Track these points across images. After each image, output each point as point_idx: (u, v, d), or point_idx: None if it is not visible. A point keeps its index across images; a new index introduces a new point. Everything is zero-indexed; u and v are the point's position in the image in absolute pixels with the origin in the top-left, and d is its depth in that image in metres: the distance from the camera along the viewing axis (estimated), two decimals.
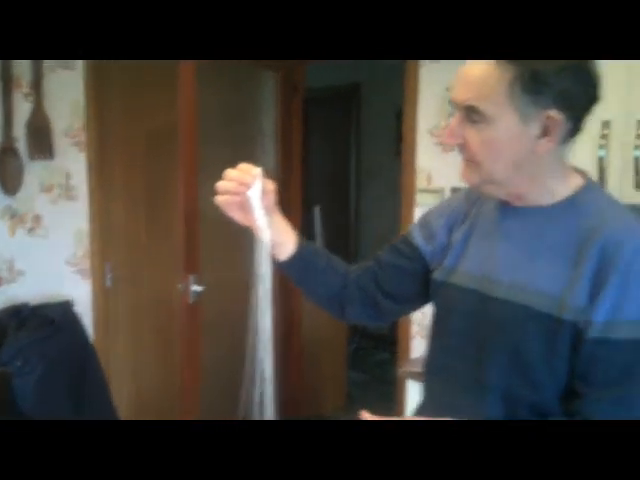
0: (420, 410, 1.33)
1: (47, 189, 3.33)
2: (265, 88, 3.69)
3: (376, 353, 5.71)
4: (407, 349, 3.15)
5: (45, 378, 2.81)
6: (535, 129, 1.15)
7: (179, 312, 2.99)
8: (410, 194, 3.06)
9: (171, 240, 3.12)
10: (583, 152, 2.22)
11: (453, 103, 1.21)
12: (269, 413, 1.25)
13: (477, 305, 1.26)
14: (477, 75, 1.15)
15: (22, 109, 3.17)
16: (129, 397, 3.61)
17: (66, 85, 3.33)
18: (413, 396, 2.51)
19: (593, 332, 1.11)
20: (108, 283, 3.52)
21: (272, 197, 1.30)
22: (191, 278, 2.87)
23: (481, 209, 1.34)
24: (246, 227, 1.32)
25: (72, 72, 3.34)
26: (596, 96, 1.18)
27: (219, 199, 1.28)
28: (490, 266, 1.26)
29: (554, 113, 1.14)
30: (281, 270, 1.34)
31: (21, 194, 3.22)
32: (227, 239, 2.67)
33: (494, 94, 1.14)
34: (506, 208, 1.28)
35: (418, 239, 1.42)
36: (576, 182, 1.24)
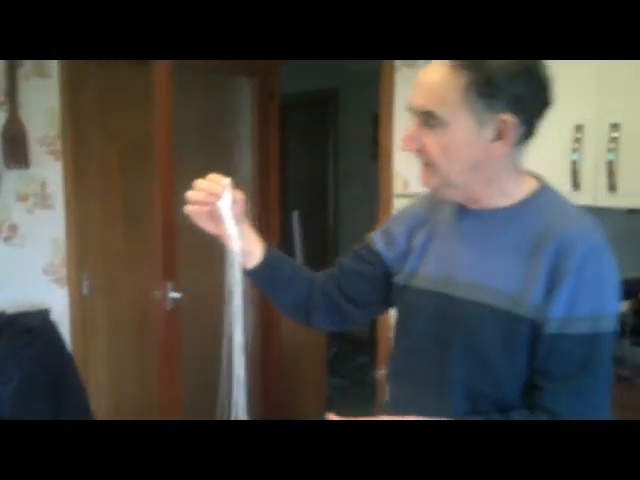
0: (386, 411, 1.35)
1: (23, 198, 3.31)
2: (241, 95, 3.69)
3: (356, 357, 5.72)
4: (386, 352, 3.16)
5: (22, 387, 2.78)
6: (490, 133, 1.19)
7: (157, 319, 2.98)
8: (387, 199, 3.08)
9: (148, 247, 3.11)
10: (557, 156, 2.26)
11: (411, 109, 1.24)
12: (243, 417, 1.28)
13: (438, 306, 1.30)
14: (433, 81, 1.20)
15: None
16: (108, 405, 3.59)
17: (41, 93, 3.31)
18: None
19: (550, 328, 1.16)
20: (85, 291, 3.50)
21: (241, 207, 1.32)
22: (169, 285, 2.86)
23: (440, 214, 1.38)
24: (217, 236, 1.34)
25: (47, 80, 3.32)
26: (548, 100, 1.23)
27: (189, 209, 1.29)
28: (450, 268, 1.30)
29: (507, 117, 1.18)
30: (249, 278, 1.35)
31: None
32: (204, 246, 2.65)
33: (450, 99, 1.18)
34: (464, 211, 1.32)
35: (379, 245, 1.44)
36: (530, 185, 1.29)
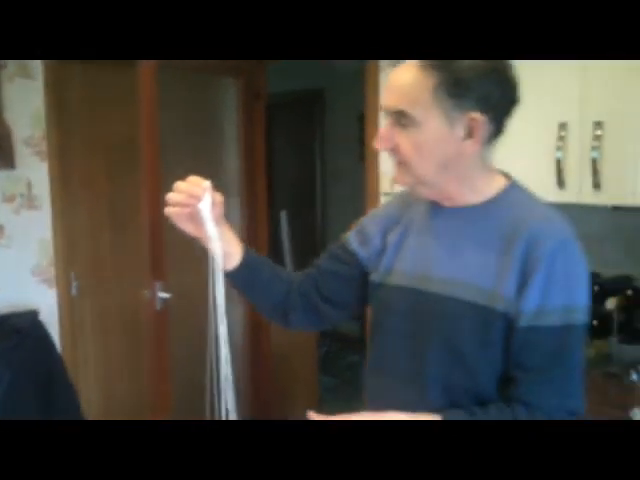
0: (365, 407, 1.36)
1: (9, 199, 3.30)
2: (227, 95, 3.70)
3: (346, 355, 5.73)
4: None
5: (12, 388, 2.78)
6: (460, 131, 1.23)
7: (146, 319, 2.98)
8: (374, 198, 3.10)
9: (136, 247, 3.11)
10: (541, 154, 2.28)
11: (383, 109, 1.27)
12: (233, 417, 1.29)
13: (414, 302, 1.32)
14: (404, 82, 1.23)
15: None
16: (98, 405, 3.59)
17: (26, 95, 3.30)
18: None
19: (523, 321, 1.19)
20: (73, 292, 3.50)
21: (221, 209, 1.32)
22: (157, 285, 2.86)
23: (413, 212, 1.40)
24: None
25: (32, 81, 3.31)
26: (515, 99, 1.27)
27: (169, 210, 1.30)
28: (424, 264, 1.32)
29: (477, 115, 1.21)
30: (228, 280, 1.36)
31: None
32: (193, 245, 2.67)
33: (421, 99, 1.21)
34: (437, 209, 1.35)
35: (354, 245, 1.46)
36: (500, 182, 1.33)
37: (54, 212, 3.42)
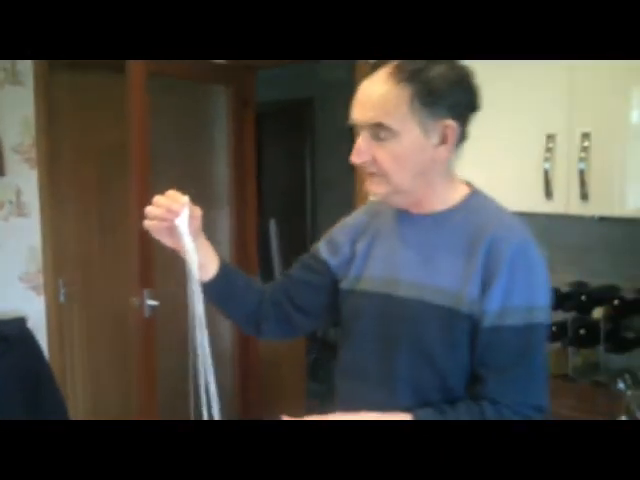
0: (336, 409, 1.38)
1: None
2: (216, 102, 3.70)
3: (335, 362, 5.72)
4: None
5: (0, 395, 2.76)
6: (435, 138, 1.29)
7: (135, 327, 2.98)
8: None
9: (125, 254, 3.10)
10: (529, 165, 2.29)
11: (357, 124, 1.32)
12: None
13: (383, 305, 1.37)
14: (379, 95, 1.27)
15: None
16: (85, 412, 3.58)
17: (15, 101, 3.30)
18: None
19: (487, 321, 1.25)
20: (62, 299, 3.49)
21: (199, 223, 1.36)
22: (145, 292, 2.86)
23: (380, 220, 1.46)
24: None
25: (21, 88, 3.31)
26: (478, 105, 1.34)
27: (148, 224, 1.33)
28: (392, 269, 1.38)
29: (450, 122, 1.29)
30: (203, 291, 1.38)
31: None
32: (181, 254, 2.66)
33: (398, 110, 1.26)
34: (404, 216, 1.41)
35: (325, 254, 1.51)
36: (464, 190, 1.39)
37: (43, 219, 3.41)
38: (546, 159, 2.23)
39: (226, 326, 3.80)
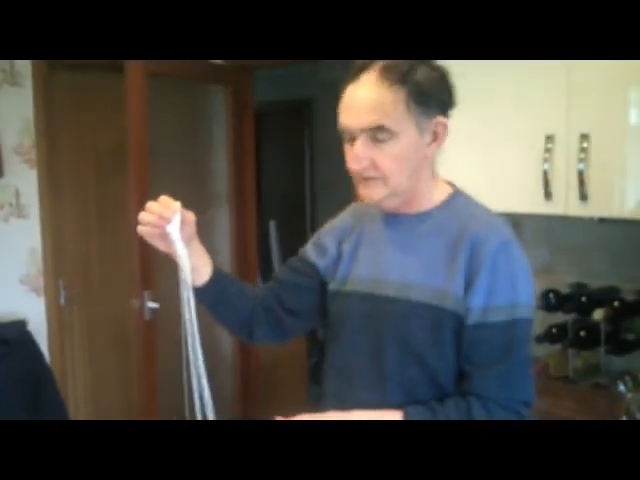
0: (324, 408, 1.39)
1: None
2: (215, 103, 3.70)
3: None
4: None
5: (0, 398, 2.75)
6: (427, 137, 1.33)
7: (136, 329, 2.97)
8: None
9: (125, 255, 3.10)
10: (528, 166, 2.29)
11: (352, 130, 1.32)
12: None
13: (370, 305, 1.39)
14: (375, 98, 1.29)
15: None
16: (86, 414, 3.58)
17: (15, 102, 3.30)
18: None
19: (471, 319, 1.28)
20: (62, 301, 3.48)
21: (192, 228, 1.38)
22: (146, 294, 2.85)
23: (366, 222, 1.49)
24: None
25: (20, 89, 3.31)
26: (455, 102, 1.37)
27: (141, 229, 1.36)
28: (378, 269, 1.40)
29: (442, 119, 1.33)
30: (196, 296, 1.40)
31: None
32: None
33: (396, 111, 1.29)
34: (389, 217, 1.43)
35: (312, 256, 1.54)
36: (447, 189, 1.42)
37: (43, 220, 3.40)
38: (545, 160, 2.23)
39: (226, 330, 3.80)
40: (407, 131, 1.29)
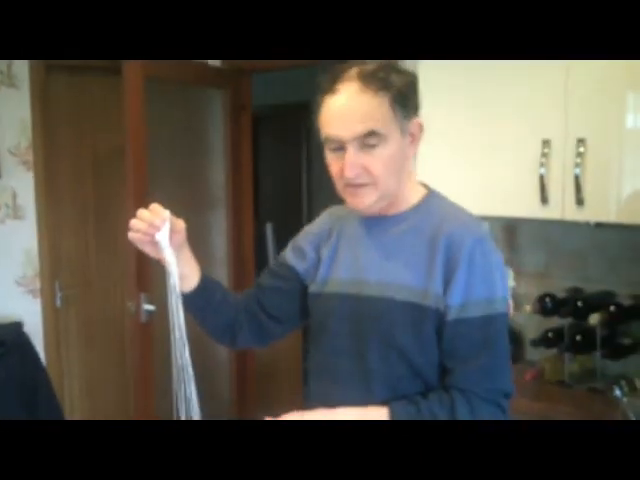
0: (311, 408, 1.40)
1: None
2: (213, 106, 3.69)
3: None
4: None
5: None
6: (407, 138, 1.38)
7: (132, 331, 2.97)
8: None
9: (121, 257, 3.10)
10: (525, 170, 2.29)
11: (343, 140, 1.33)
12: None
13: (352, 305, 1.42)
14: (363, 106, 1.33)
15: None
16: (82, 416, 3.56)
17: (11, 104, 3.30)
18: None
19: (451, 315, 1.32)
20: (58, 303, 3.48)
21: (182, 236, 1.41)
22: (142, 296, 2.85)
23: (344, 224, 1.52)
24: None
25: (17, 91, 3.31)
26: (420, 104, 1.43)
27: (132, 236, 1.38)
28: (358, 270, 1.44)
29: (419, 120, 1.39)
30: (184, 302, 1.42)
31: None
32: None
33: (385, 116, 1.33)
34: (367, 220, 1.46)
35: (292, 260, 1.57)
36: (422, 191, 1.47)
37: (39, 222, 3.40)
38: (542, 164, 2.24)
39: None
40: (393, 134, 1.34)
